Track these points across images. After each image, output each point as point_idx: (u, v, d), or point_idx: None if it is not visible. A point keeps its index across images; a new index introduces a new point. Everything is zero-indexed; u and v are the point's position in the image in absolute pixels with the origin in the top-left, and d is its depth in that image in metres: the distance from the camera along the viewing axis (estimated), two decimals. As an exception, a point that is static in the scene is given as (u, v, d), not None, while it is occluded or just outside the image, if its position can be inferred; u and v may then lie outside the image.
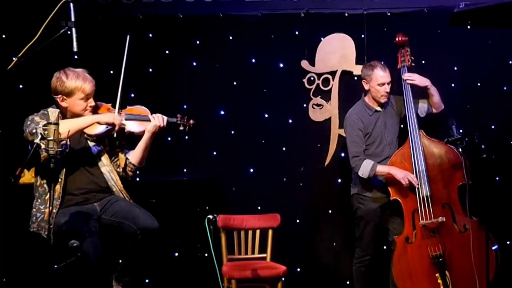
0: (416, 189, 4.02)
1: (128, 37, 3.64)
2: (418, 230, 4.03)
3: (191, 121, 3.77)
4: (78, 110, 3.53)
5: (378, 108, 4.24)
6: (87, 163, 3.56)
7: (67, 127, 3.19)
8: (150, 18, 4.78)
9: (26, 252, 3.98)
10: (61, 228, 3.37)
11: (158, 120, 3.63)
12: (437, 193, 4.04)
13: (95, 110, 3.61)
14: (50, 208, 3.24)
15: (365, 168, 4.08)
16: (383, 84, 4.15)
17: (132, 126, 3.64)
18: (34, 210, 3.47)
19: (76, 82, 3.49)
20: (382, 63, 4.24)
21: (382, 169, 4.07)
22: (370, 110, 4.23)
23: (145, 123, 3.64)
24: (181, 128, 3.75)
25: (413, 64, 4.26)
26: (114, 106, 3.62)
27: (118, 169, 3.66)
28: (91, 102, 3.56)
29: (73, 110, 3.53)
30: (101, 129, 3.58)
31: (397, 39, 4.30)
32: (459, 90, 4.74)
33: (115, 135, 3.58)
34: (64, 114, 3.56)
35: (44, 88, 4.39)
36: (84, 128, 3.45)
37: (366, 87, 4.22)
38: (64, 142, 3.07)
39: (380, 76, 4.14)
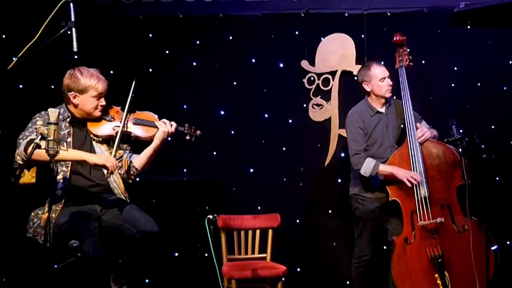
0: (415, 190, 4.01)
1: (134, 83, 3.59)
2: (417, 230, 4.02)
3: (198, 132, 3.76)
4: (89, 108, 3.54)
5: (381, 110, 4.22)
6: None
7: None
8: (150, 18, 4.78)
9: (26, 252, 3.97)
10: (61, 228, 3.37)
11: (166, 126, 3.63)
12: (436, 193, 4.03)
13: (105, 110, 3.62)
14: (49, 213, 3.24)
15: (367, 166, 4.06)
16: (384, 78, 4.16)
17: (138, 131, 3.64)
18: (32, 214, 3.48)
19: (91, 80, 3.51)
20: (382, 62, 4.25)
21: (384, 168, 4.06)
22: (372, 110, 4.21)
23: (152, 129, 3.64)
24: (188, 137, 3.74)
25: (411, 64, 4.24)
26: (123, 110, 3.61)
27: (119, 171, 3.66)
28: (102, 102, 3.57)
29: (84, 108, 3.54)
30: (107, 130, 3.59)
31: (395, 38, 4.29)
32: (459, 90, 4.75)
33: (117, 135, 3.56)
34: (72, 113, 3.56)
35: (44, 88, 4.43)
36: (70, 160, 3.44)
37: (368, 88, 4.19)
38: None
39: (379, 72, 4.16)
